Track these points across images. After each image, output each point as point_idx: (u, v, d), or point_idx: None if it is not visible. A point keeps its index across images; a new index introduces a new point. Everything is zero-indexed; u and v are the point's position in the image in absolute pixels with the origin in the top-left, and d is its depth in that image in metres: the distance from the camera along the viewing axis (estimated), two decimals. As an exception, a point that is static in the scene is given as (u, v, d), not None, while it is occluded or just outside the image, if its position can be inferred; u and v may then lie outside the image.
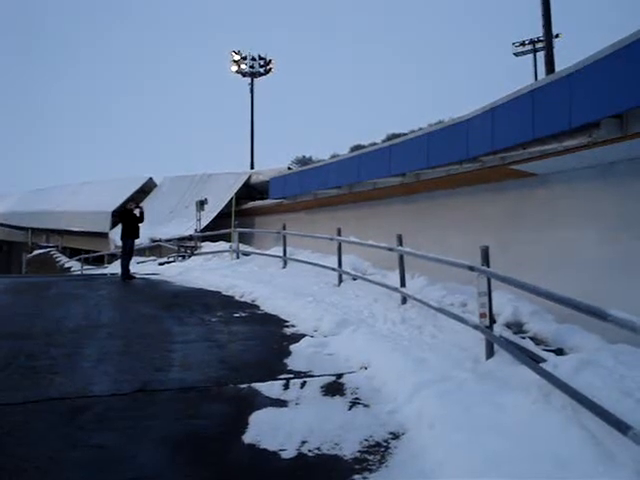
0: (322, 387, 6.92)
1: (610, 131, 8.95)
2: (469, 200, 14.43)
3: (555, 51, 25.94)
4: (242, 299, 13.08)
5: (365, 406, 6.35)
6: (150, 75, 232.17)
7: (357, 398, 6.57)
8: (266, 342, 9.10)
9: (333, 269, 13.71)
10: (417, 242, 11.77)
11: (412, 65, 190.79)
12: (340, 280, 13.37)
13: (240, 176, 31.08)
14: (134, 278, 17.94)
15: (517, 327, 8.15)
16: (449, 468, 4.76)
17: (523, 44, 47.65)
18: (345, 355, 8.04)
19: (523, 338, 7.66)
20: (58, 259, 37.05)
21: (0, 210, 51.19)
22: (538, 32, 33.34)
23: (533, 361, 6.31)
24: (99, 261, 32.28)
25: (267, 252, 19.01)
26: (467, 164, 12.93)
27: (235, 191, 28.78)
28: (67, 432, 5.67)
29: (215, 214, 28.04)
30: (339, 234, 13.79)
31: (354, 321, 9.61)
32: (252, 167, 43.46)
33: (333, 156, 30.86)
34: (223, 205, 28.27)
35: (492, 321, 7.36)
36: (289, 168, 28.95)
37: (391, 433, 5.66)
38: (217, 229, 24.48)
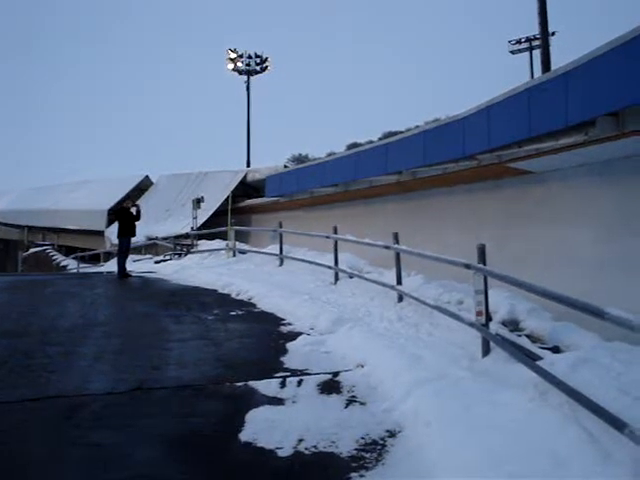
0: (319, 385, 6.92)
1: (606, 129, 8.95)
2: (465, 198, 14.44)
3: (551, 49, 25.92)
4: (238, 297, 13.08)
5: (361, 404, 6.36)
6: (147, 73, 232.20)
7: (353, 396, 6.57)
8: (262, 340, 9.10)
9: (329, 267, 13.71)
10: (414, 240, 11.76)
11: (408, 63, 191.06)
12: (336, 278, 13.37)
13: (236, 174, 31.05)
14: (130, 276, 17.92)
15: (513, 325, 8.15)
16: (445, 466, 4.76)
17: (519, 42, 47.81)
18: (341, 353, 8.04)
19: (519, 336, 7.67)
20: (54, 257, 36.98)
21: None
22: (534, 30, 33.38)
23: (529, 359, 6.32)
24: (95, 259, 32.19)
25: (263, 250, 19.00)
26: (463, 162, 12.93)
27: (231, 189, 28.72)
28: (64, 430, 5.68)
29: (211, 212, 27.99)
30: (335, 232, 13.78)
31: (350, 319, 9.60)
32: (248, 165, 43.42)
33: (329, 154, 30.89)
34: (219, 203, 28.20)
35: (488, 319, 7.36)
36: (285, 166, 28.96)
37: (387, 431, 5.66)
38: (213, 227, 24.43)
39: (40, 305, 12.53)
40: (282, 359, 8.01)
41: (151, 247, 27.77)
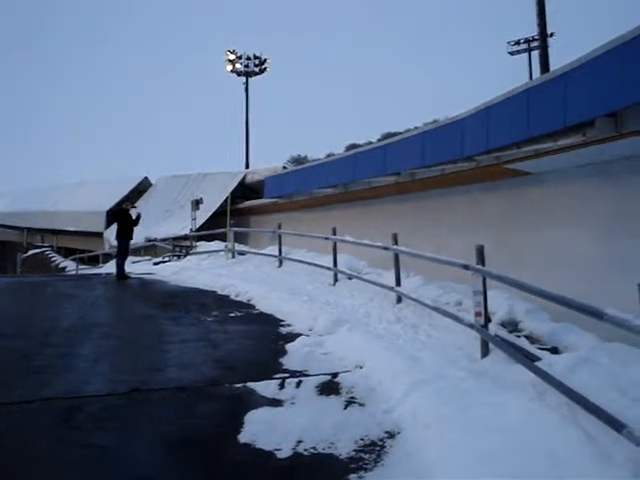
0: (317, 386, 6.91)
1: (604, 130, 8.96)
2: (464, 199, 14.44)
3: (550, 50, 25.98)
4: (237, 298, 13.07)
5: (360, 405, 6.35)
6: (147, 74, 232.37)
7: (352, 397, 6.56)
8: (261, 341, 9.10)
9: (328, 268, 13.71)
10: (412, 241, 11.76)
11: (407, 64, 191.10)
12: (335, 279, 13.37)
13: (235, 175, 31.05)
14: (129, 278, 17.92)
15: (512, 326, 8.14)
16: (445, 467, 4.75)
17: (518, 43, 47.79)
18: (340, 354, 8.03)
19: (518, 337, 7.65)
20: (53, 259, 37.00)
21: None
22: (533, 31, 33.40)
23: (528, 360, 6.32)
24: (94, 261, 32.18)
25: (262, 251, 19.00)
26: (462, 163, 12.94)
27: (230, 190, 28.72)
28: (62, 432, 5.67)
29: (210, 213, 27.99)
30: (334, 233, 13.79)
31: (349, 320, 9.59)
32: (247, 166, 43.41)
33: (328, 155, 30.94)
34: (218, 204, 28.20)
35: (487, 320, 7.36)
36: (284, 167, 28.94)
37: (387, 432, 5.66)
38: (212, 228, 24.43)
39: (39, 307, 12.54)
40: (281, 360, 8.00)
41: (150, 248, 27.77)
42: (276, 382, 7.04)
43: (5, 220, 48.70)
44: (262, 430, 5.67)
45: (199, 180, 33.16)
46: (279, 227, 17.54)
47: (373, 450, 5.31)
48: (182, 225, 28.13)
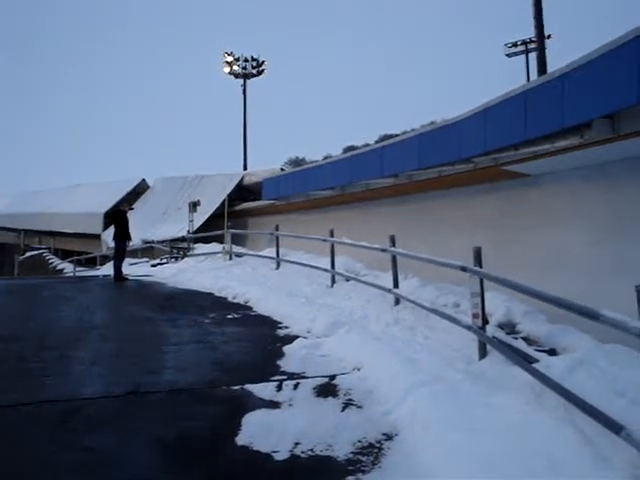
0: (315, 388, 6.90)
1: (601, 132, 8.96)
2: (462, 201, 14.45)
3: (547, 52, 26.02)
4: (235, 300, 13.07)
5: (358, 407, 6.34)
6: (144, 77, 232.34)
7: (350, 399, 6.55)
8: (259, 343, 9.09)
9: (326, 270, 13.70)
10: (410, 243, 11.74)
11: (405, 66, 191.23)
12: (333, 281, 13.36)
13: (233, 177, 31.06)
14: (127, 280, 17.91)
15: (510, 327, 8.13)
16: (442, 469, 4.75)
17: (515, 45, 47.87)
18: (338, 356, 8.02)
19: (516, 339, 7.64)
20: (50, 261, 37.00)
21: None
22: (530, 33, 33.45)
23: (526, 361, 6.31)
24: (92, 263, 32.18)
25: (260, 253, 19.02)
26: (459, 165, 12.94)
27: (228, 192, 28.74)
28: (59, 434, 5.66)
29: (208, 215, 28.01)
30: (332, 235, 13.78)
31: (347, 322, 9.59)
32: (245, 168, 43.46)
33: (326, 157, 30.96)
34: (216, 206, 28.23)
35: (485, 322, 7.36)
36: (282, 169, 28.97)
37: (384, 434, 5.65)
38: (210, 230, 24.44)
39: (36, 309, 12.53)
40: (278, 362, 7.98)
41: (148, 250, 27.75)
42: (274, 384, 7.02)
43: (2, 222, 48.73)
44: (259, 432, 5.66)
45: (197, 182, 33.18)
46: (276, 229, 17.53)
47: (371, 452, 5.30)
48: (180, 227, 28.15)
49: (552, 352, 7.12)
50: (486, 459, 4.67)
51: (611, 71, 8.45)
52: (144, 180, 38.16)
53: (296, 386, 6.97)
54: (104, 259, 29.56)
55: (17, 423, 5.93)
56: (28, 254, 40.52)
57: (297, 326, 9.93)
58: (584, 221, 10.55)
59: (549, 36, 34.65)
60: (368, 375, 7.15)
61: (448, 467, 4.75)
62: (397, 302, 10.43)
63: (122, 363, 8.13)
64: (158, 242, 27.06)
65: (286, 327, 10.09)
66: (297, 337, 9.16)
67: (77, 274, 29.45)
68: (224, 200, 27.09)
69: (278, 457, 5.21)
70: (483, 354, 7.25)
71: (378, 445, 5.44)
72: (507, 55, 48.71)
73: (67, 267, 33.67)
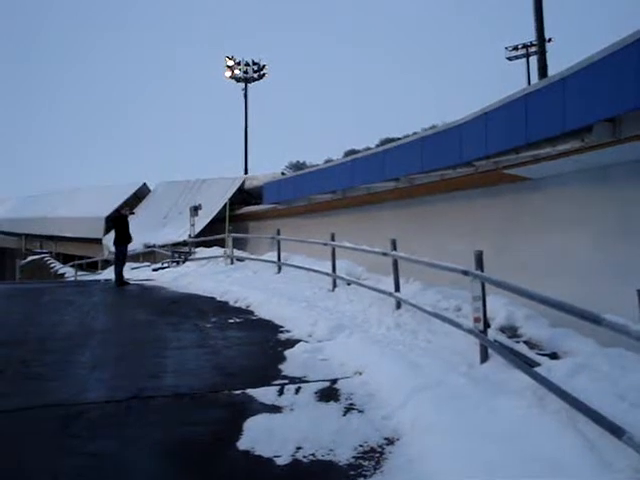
0: (317, 393, 6.89)
1: (602, 135, 8.96)
2: (463, 204, 14.44)
3: (548, 55, 25.98)
4: (236, 305, 13.06)
5: (360, 411, 6.33)
6: (146, 81, 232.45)
7: (352, 403, 6.55)
8: (260, 348, 9.08)
9: (327, 274, 13.70)
10: (411, 247, 11.75)
11: (406, 70, 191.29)
12: (334, 285, 13.36)
13: (234, 181, 31.09)
14: (128, 284, 17.90)
15: (511, 331, 8.13)
16: (444, 474, 4.74)
17: (516, 48, 47.87)
18: (339, 360, 8.02)
19: (517, 342, 7.65)
20: (52, 265, 37.01)
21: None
22: (531, 36, 33.44)
23: (527, 365, 6.31)
24: (93, 267, 32.20)
25: (261, 257, 19.01)
26: (461, 169, 12.94)
27: (229, 196, 28.78)
28: (60, 439, 5.66)
29: (209, 219, 28.03)
30: (333, 239, 13.78)
31: (348, 326, 9.59)
32: (246, 172, 43.42)
33: (327, 161, 30.94)
34: (217, 210, 28.26)
35: (486, 325, 7.36)
36: (283, 173, 29.03)
37: (386, 439, 5.64)
38: (211, 234, 24.46)
39: (37, 313, 12.53)
40: (280, 367, 7.98)
41: (149, 255, 27.76)
42: (275, 388, 7.02)
43: (3, 226, 48.76)
44: (261, 437, 5.65)
45: (198, 186, 33.22)
46: (278, 233, 17.53)
47: (372, 457, 5.30)
48: (181, 231, 28.19)
49: (554, 356, 7.12)
50: (488, 463, 4.67)
51: (612, 74, 8.44)
52: (145, 184, 38.23)
53: (297, 390, 6.97)
54: (105, 263, 29.56)
55: (20, 428, 5.93)
56: (29, 258, 40.57)
57: (298, 330, 9.91)
58: (586, 224, 10.53)
59: (550, 39, 34.68)
60: (369, 379, 7.14)
61: (450, 472, 4.74)
62: (399, 306, 10.42)
63: (124, 367, 8.14)
64: (159, 246, 27.06)
65: (287, 331, 10.08)
66: (298, 341, 9.16)
67: (78, 278, 29.48)
68: (225, 204, 27.11)
69: (280, 462, 5.20)
70: (485, 358, 7.24)
71: (380, 450, 5.44)
72: (508, 58, 48.70)
73: (68, 271, 33.69)
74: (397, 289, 10.57)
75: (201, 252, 23.82)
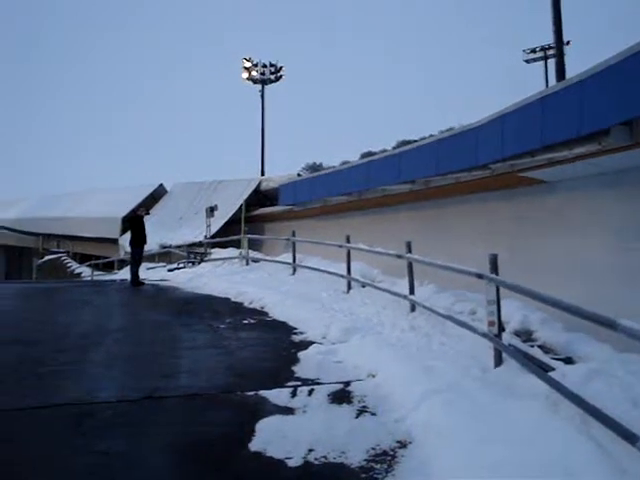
0: (329, 395, 6.87)
1: (620, 138, 8.89)
2: (478, 207, 14.39)
3: (566, 58, 25.85)
4: (251, 305, 13.07)
5: (372, 414, 6.32)
6: (163, 83, 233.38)
7: (364, 406, 6.53)
8: (274, 349, 9.09)
9: (342, 276, 13.70)
10: (426, 249, 11.70)
11: (424, 72, 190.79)
12: (349, 287, 13.36)
13: (250, 183, 31.12)
14: (143, 284, 17.96)
15: (526, 335, 8.11)
16: (457, 477, 4.72)
17: (534, 51, 47.66)
18: (353, 363, 7.99)
19: (532, 346, 7.63)
20: (68, 265, 37.19)
21: (12, 216, 51.54)
22: (549, 39, 33.29)
23: (542, 370, 6.28)
24: (109, 267, 32.33)
25: (276, 259, 19.03)
26: (476, 171, 12.89)
27: (245, 198, 28.80)
28: (73, 438, 5.67)
29: (225, 220, 28.06)
30: (348, 241, 13.78)
31: (362, 328, 9.58)
32: (263, 174, 43.47)
33: (344, 163, 30.85)
34: (233, 212, 28.29)
35: (501, 329, 7.33)
36: (299, 175, 28.98)
37: (398, 442, 5.62)
38: (227, 235, 24.50)
39: (53, 312, 12.60)
40: (293, 368, 7.98)
41: (164, 255, 27.85)
42: (288, 390, 7.01)
43: (22, 225, 49.06)
44: (273, 438, 5.65)
45: (214, 187, 33.28)
46: (293, 234, 17.55)
47: (384, 460, 5.28)
48: (197, 232, 28.24)
49: (568, 361, 7.09)
50: (501, 468, 4.64)
51: (630, 77, 8.39)
52: (162, 185, 38.34)
53: (311, 392, 6.95)
54: (121, 263, 29.68)
55: (33, 426, 5.96)
56: (46, 258, 40.79)
57: (312, 332, 9.90)
58: (602, 228, 10.46)
59: (568, 42, 34.54)
60: (382, 382, 7.12)
61: (462, 476, 4.72)
62: (413, 309, 10.40)
63: (138, 367, 8.17)
64: (175, 247, 27.15)
65: (301, 333, 10.07)
66: (312, 343, 9.15)
67: (95, 278, 29.62)
68: (241, 205, 27.15)
69: (291, 464, 5.20)
70: (499, 362, 7.21)
71: (392, 452, 5.42)
72: (526, 61, 48.51)
73: (85, 271, 33.85)
74: (412, 292, 10.55)
75: (217, 253, 23.90)
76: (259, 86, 49.98)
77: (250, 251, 20.98)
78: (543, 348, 7.61)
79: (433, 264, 9.73)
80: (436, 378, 6.80)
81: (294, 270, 16.89)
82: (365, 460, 5.27)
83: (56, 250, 41.81)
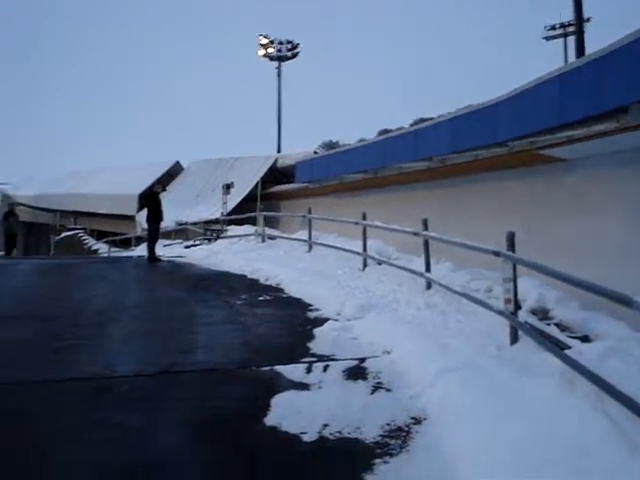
0: (344, 371, 6.90)
1: (638, 116, 8.81)
2: (496, 185, 14.29)
3: (586, 35, 25.59)
4: (267, 282, 13.09)
5: (387, 390, 6.34)
6: (178, 60, 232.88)
7: (379, 382, 6.55)
8: (289, 325, 9.12)
9: (358, 253, 13.69)
10: (442, 228, 11.65)
11: (442, 49, 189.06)
12: (365, 264, 13.35)
13: (266, 160, 31.05)
14: (160, 261, 18.02)
15: (542, 313, 8.08)
16: (471, 454, 4.75)
17: (554, 28, 47.25)
18: (368, 339, 8.01)
19: (548, 325, 7.61)
20: (85, 241, 37.39)
21: (29, 193, 51.83)
22: (569, 16, 32.94)
23: (558, 347, 6.26)
24: (126, 244, 32.45)
25: (292, 236, 19.03)
26: (494, 149, 12.81)
27: (261, 175, 28.76)
28: (90, 412, 5.74)
29: (241, 198, 28.05)
30: (364, 218, 13.76)
31: (378, 305, 9.57)
32: (279, 151, 43.43)
33: (360, 140, 30.71)
34: (249, 189, 28.25)
35: (517, 307, 7.31)
36: (315, 152, 28.88)
37: (413, 418, 5.65)
38: (243, 213, 24.48)
39: (71, 288, 12.67)
40: (309, 344, 8.00)
41: (181, 232, 27.92)
42: (303, 366, 7.05)
43: (39, 202, 49.33)
44: (288, 413, 5.69)
45: (230, 164, 33.24)
46: (309, 212, 17.53)
47: (399, 436, 5.31)
48: (213, 209, 28.25)
49: (585, 339, 7.07)
50: (516, 445, 4.65)
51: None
52: (178, 162, 38.35)
53: (326, 368, 6.98)
54: (138, 240, 29.79)
55: (50, 399, 6.04)
56: (64, 234, 41.00)
57: (328, 309, 9.91)
58: (620, 207, 10.38)
59: (588, 19, 34.15)
60: (398, 359, 7.14)
61: (477, 453, 4.74)
62: (429, 286, 10.39)
63: (154, 342, 8.23)
64: (192, 224, 27.20)
65: (317, 309, 10.09)
66: (327, 319, 9.15)
67: (112, 255, 29.77)
68: (257, 182, 27.14)
69: (306, 438, 5.25)
70: (514, 340, 7.20)
71: (407, 429, 5.45)
72: (545, 38, 48.10)
73: (102, 248, 34.01)
74: (428, 269, 10.52)
75: (233, 230, 23.91)
76: (276, 64, 49.89)
77: (266, 228, 20.98)
78: (559, 326, 7.59)
79: (450, 242, 9.71)
80: (452, 355, 6.81)
81: (310, 247, 16.89)
82: (380, 436, 5.31)
83: (73, 227, 42.02)
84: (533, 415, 5.09)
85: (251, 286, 12.75)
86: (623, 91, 8.79)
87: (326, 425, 5.47)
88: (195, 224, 27.01)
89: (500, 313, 7.47)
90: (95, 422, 5.51)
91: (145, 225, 19.93)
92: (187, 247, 23.26)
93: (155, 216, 17.90)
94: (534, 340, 6.70)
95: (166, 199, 19.99)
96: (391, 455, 4.95)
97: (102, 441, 5.14)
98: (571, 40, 39.53)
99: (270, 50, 49.86)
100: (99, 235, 38.57)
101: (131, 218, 33.99)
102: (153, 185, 25.28)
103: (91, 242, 36.72)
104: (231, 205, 26.82)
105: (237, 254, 18.06)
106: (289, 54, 50.36)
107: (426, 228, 10.69)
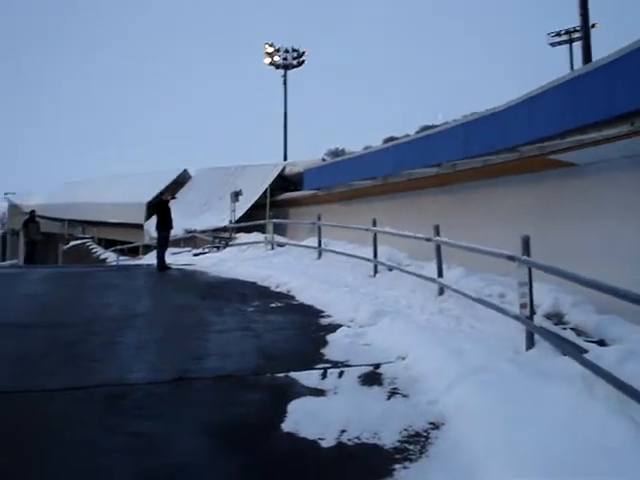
0: (360, 377, 6.86)
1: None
2: (506, 191, 14.26)
3: (592, 41, 25.51)
4: (278, 289, 13.07)
5: (404, 396, 6.30)
6: (184, 69, 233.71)
7: (395, 388, 6.52)
8: (302, 332, 9.10)
9: (368, 260, 13.68)
10: (453, 233, 11.62)
11: (446, 57, 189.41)
12: (375, 271, 13.33)
13: (274, 167, 31.06)
14: (169, 269, 18.00)
15: (558, 318, 8.05)
16: (491, 459, 4.69)
17: (559, 34, 47.14)
18: (382, 345, 7.96)
19: (564, 329, 7.58)
20: (94, 250, 37.42)
21: (37, 202, 51.95)
22: (574, 22, 32.91)
23: (576, 351, 6.23)
24: (134, 252, 32.49)
25: (302, 243, 19.00)
26: (504, 154, 12.78)
27: (269, 182, 28.79)
28: (105, 419, 5.73)
29: (249, 205, 28.07)
30: (374, 225, 13.74)
31: (391, 311, 9.53)
32: (285, 159, 43.46)
33: (366, 148, 30.69)
34: (257, 196, 28.29)
35: (532, 311, 7.28)
36: (323, 159, 28.89)
37: (431, 423, 5.61)
38: (251, 220, 24.50)
39: (81, 296, 12.68)
40: (322, 351, 7.97)
41: (190, 240, 27.92)
42: (318, 372, 7.01)
43: (47, 212, 49.44)
44: (305, 419, 5.67)
45: (238, 172, 33.26)
46: (318, 219, 17.51)
47: (418, 441, 5.27)
48: (221, 217, 28.25)
49: (601, 343, 7.03)
50: (537, 450, 4.59)
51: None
52: (186, 170, 38.39)
53: (341, 374, 6.95)
54: (147, 249, 29.81)
55: (65, 407, 6.02)
56: (72, 243, 41.06)
57: (340, 315, 9.88)
58: (632, 211, 10.34)
59: (594, 25, 34.06)
60: (413, 364, 7.09)
61: (497, 457, 4.70)
62: (441, 292, 10.36)
63: (168, 350, 8.21)
64: (200, 232, 27.22)
65: (329, 316, 10.06)
66: (340, 326, 9.13)
67: (120, 263, 29.80)
68: (265, 190, 27.18)
69: (324, 444, 5.22)
70: (531, 344, 7.18)
71: (425, 434, 5.41)
72: (550, 44, 48.02)
73: (110, 256, 34.02)
74: (440, 275, 10.50)
75: (241, 237, 23.92)
76: (282, 72, 50.01)
77: (275, 235, 20.98)
78: (575, 330, 7.56)
79: (462, 247, 9.69)
80: (468, 360, 6.76)
81: (319, 254, 16.87)
82: (398, 441, 5.27)
83: (81, 236, 42.11)
84: (553, 418, 5.05)
85: (262, 293, 12.73)
86: (635, 94, 8.76)
87: (344, 431, 5.43)
88: (204, 232, 27.02)
89: (516, 318, 7.45)
90: (111, 429, 5.49)
91: (154, 233, 19.93)
92: (196, 255, 23.28)
93: (165, 224, 17.90)
94: (551, 344, 6.67)
95: (175, 207, 19.97)
96: (411, 460, 4.91)
97: (118, 449, 5.12)
98: (577, 46, 39.43)
99: (276, 58, 50.03)
100: (107, 244, 38.64)
101: (139, 227, 34.02)
102: (162, 193, 25.33)
103: (100, 251, 36.74)
104: (239, 213, 26.83)
105: (246, 261, 18.06)
106: (295, 62, 50.50)
107: (438, 234, 10.67)
